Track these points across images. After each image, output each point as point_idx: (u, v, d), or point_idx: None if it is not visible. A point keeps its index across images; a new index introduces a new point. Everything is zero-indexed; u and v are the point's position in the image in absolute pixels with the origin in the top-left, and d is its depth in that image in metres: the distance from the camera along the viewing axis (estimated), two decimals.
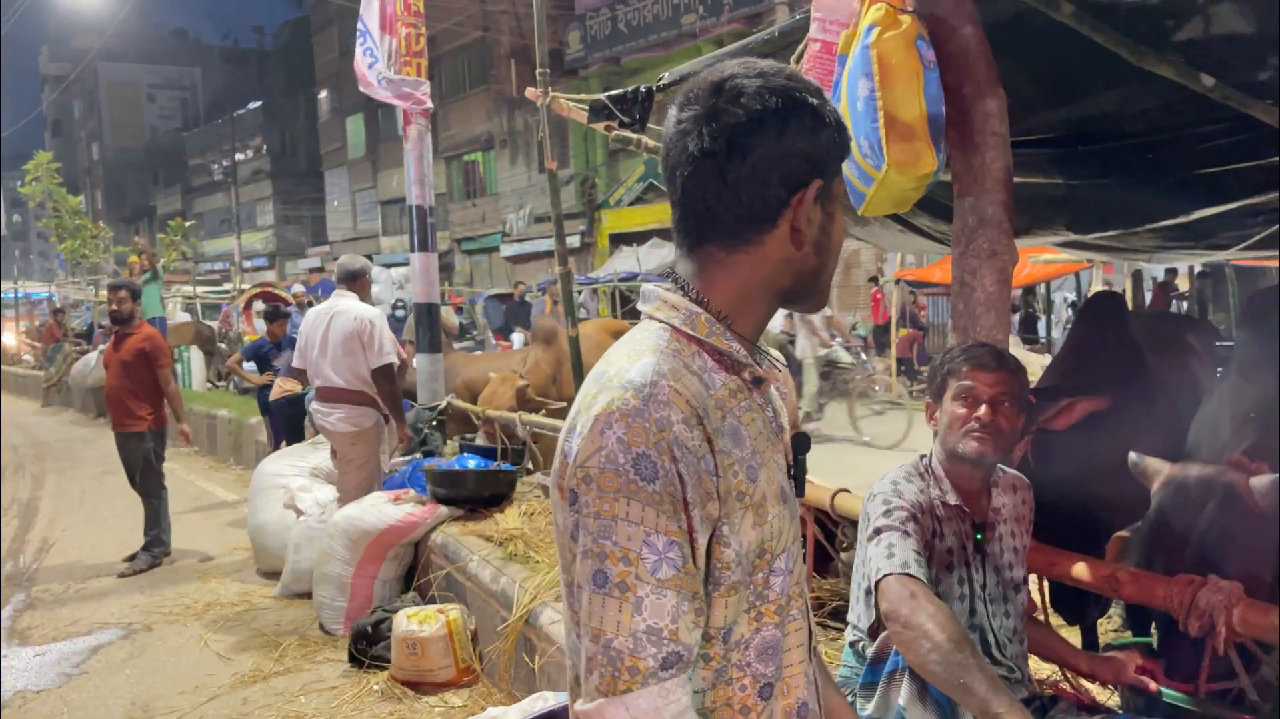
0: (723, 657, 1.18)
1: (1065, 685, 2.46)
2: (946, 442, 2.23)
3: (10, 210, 34.80)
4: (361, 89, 6.70)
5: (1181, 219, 3.61)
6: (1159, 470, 2.34)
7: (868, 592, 2.15)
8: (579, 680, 1.21)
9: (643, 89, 3.45)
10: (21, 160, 21.86)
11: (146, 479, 6.60)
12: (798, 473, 1.29)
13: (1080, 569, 2.34)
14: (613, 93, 3.60)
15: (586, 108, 4.53)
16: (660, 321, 1.21)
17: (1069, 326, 4.12)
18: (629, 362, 1.15)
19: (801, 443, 1.31)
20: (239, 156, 46.66)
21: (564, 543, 1.18)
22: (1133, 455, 2.39)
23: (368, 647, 4.52)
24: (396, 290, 19.32)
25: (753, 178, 1.15)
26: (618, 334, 6.45)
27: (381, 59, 6.48)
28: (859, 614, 2.27)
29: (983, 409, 2.17)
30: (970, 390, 2.20)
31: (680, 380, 1.13)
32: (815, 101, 1.18)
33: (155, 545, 6.53)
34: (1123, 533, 2.42)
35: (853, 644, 2.29)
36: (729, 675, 1.18)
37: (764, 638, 1.20)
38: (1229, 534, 2.15)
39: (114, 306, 6.62)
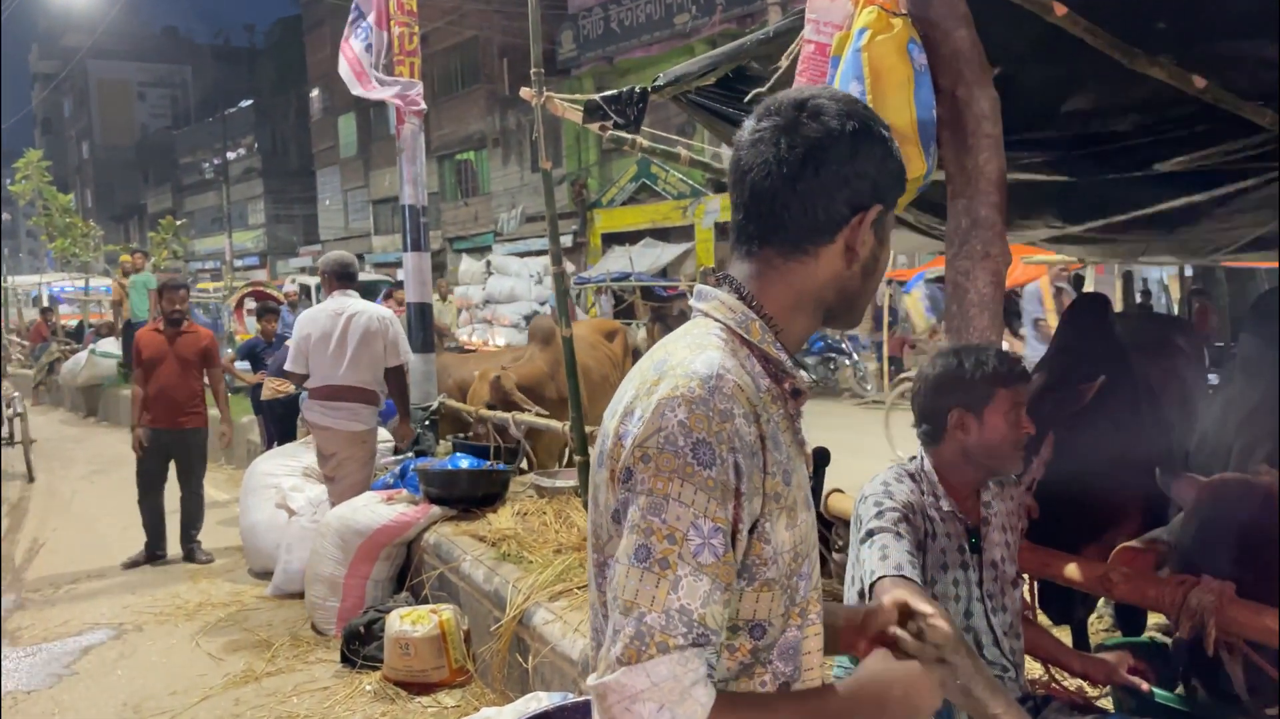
0: (749, 651, 1.21)
1: (1058, 686, 2.47)
2: (993, 457, 2.19)
3: (0, 208, 34.55)
4: (357, 92, 6.65)
5: (1169, 204, 3.57)
6: (1192, 485, 2.34)
7: (860, 594, 2.15)
8: None
9: (637, 89, 3.45)
10: (11, 158, 21.78)
11: (201, 473, 6.69)
12: (817, 484, 1.31)
13: (1073, 570, 2.35)
14: (607, 93, 3.60)
15: (581, 108, 4.53)
16: (716, 320, 1.26)
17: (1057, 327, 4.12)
18: (691, 353, 1.19)
19: (822, 457, 1.34)
20: (230, 155, 46.45)
21: (601, 523, 1.22)
22: (1160, 472, 2.39)
23: (360, 647, 4.51)
24: (535, 285, 17.95)
25: (821, 191, 1.22)
26: (610, 334, 6.42)
27: (374, 54, 6.45)
28: None
29: (1026, 425, 2.17)
30: (1018, 408, 2.17)
31: (741, 378, 1.18)
32: (886, 133, 1.26)
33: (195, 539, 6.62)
34: (1132, 543, 2.41)
35: None
36: (753, 670, 1.22)
37: (786, 638, 1.24)
38: (1270, 543, 2.15)
39: (177, 306, 6.57)
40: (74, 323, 20.21)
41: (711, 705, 1.10)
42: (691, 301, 1.32)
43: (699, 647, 1.11)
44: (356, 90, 6.63)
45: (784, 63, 2.73)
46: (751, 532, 1.18)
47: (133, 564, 6.42)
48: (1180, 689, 2.39)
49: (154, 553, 6.51)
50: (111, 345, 14.40)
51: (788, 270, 1.26)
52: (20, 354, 20.11)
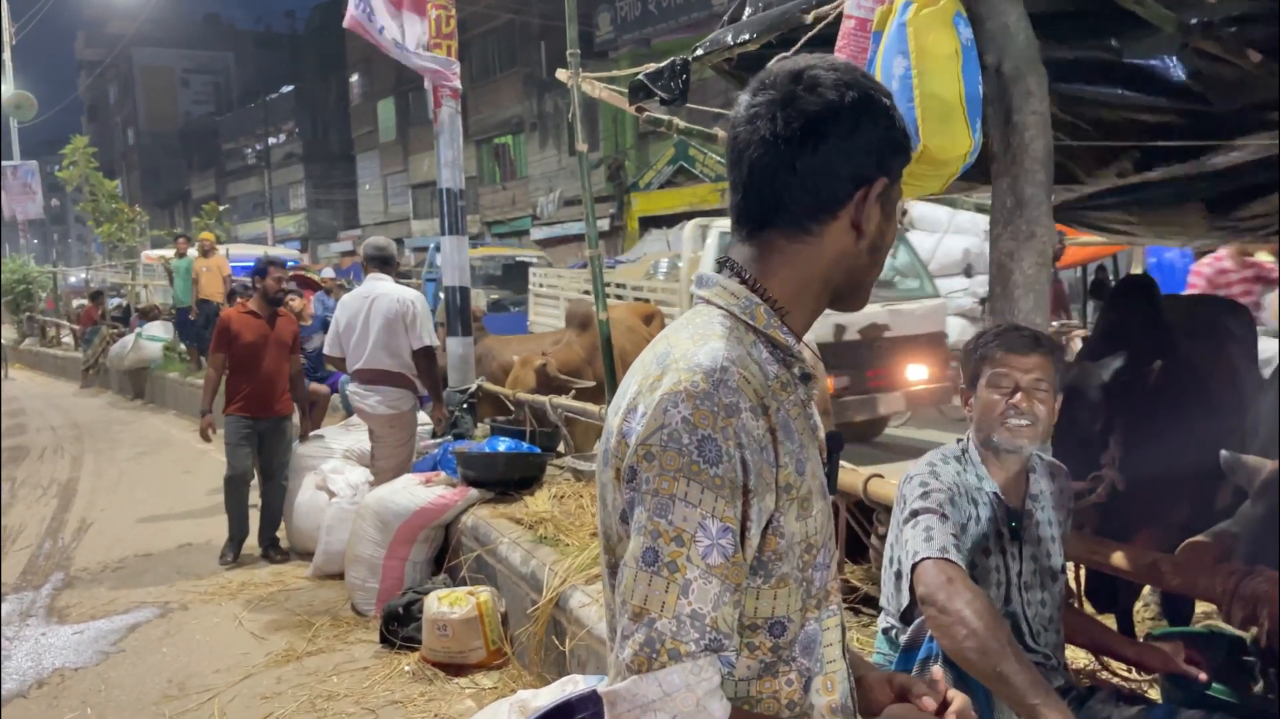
0: (770, 649, 1.18)
1: (1105, 675, 2.42)
2: (982, 431, 2.17)
3: (49, 194, 35.22)
4: (354, 31, 6.41)
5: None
6: (1259, 468, 2.26)
7: (898, 574, 2.12)
8: None
9: (678, 61, 3.38)
10: (59, 145, 22.12)
11: (287, 463, 6.34)
12: (831, 471, 1.28)
13: (1120, 558, 2.29)
14: (650, 70, 3.53)
15: (617, 89, 4.49)
16: (719, 308, 1.21)
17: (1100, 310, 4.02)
18: (694, 345, 1.15)
19: (835, 442, 1.30)
20: (272, 140, 46.99)
21: (611, 524, 1.18)
22: (1225, 454, 2.31)
23: (399, 628, 4.55)
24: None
25: (821, 167, 1.16)
26: (647, 318, 6.41)
27: (393, 23, 6.33)
28: (889, 597, 2.24)
29: (1018, 396, 2.11)
30: (1005, 377, 2.13)
31: (747, 368, 1.14)
32: (887, 102, 1.20)
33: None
34: (1200, 538, 2.34)
35: (885, 631, 2.26)
36: (777, 669, 1.18)
37: (806, 632, 1.21)
38: None
39: (282, 286, 6.24)
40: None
41: None
42: (693, 288, 1.27)
43: (712, 652, 1.07)
44: (366, 36, 6.42)
45: (810, 18, 2.66)
46: (766, 527, 1.14)
47: (231, 562, 6.04)
48: (1259, 685, 2.33)
49: (240, 548, 6.17)
50: (158, 329, 14.62)
51: (792, 252, 1.20)
52: (71, 338, 20.49)
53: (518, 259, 16.99)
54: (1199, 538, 2.32)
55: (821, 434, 1.28)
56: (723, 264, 1.24)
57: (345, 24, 6.50)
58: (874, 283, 1.27)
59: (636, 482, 1.11)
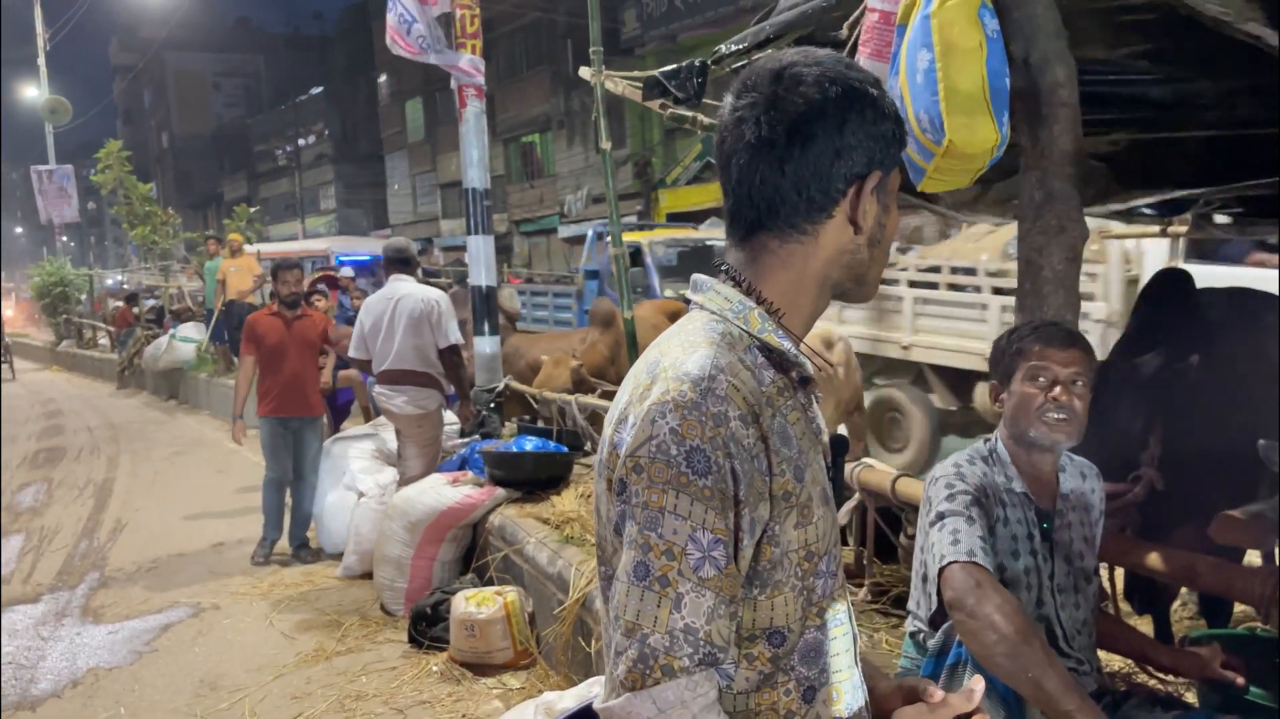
0: (769, 659, 1.15)
1: (1143, 678, 2.37)
2: (1018, 426, 2.13)
3: (84, 198, 35.75)
4: (397, 51, 6.45)
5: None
6: None
7: (925, 578, 2.09)
8: None
9: (696, 62, 3.36)
10: (94, 149, 22.43)
11: (318, 464, 6.34)
12: (836, 475, 1.24)
13: (1155, 559, 2.24)
14: (666, 69, 3.51)
15: (640, 85, 4.46)
16: (712, 313, 1.19)
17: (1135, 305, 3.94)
18: (684, 353, 1.12)
19: (840, 446, 1.27)
20: (302, 142, 47.40)
21: (606, 535, 1.17)
22: (1263, 442, 2.28)
23: (427, 628, 4.56)
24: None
25: (811, 168, 1.14)
26: (675, 316, 6.41)
27: (420, 22, 6.34)
28: (918, 601, 2.21)
29: (1058, 390, 2.07)
30: (1044, 370, 2.09)
31: (738, 375, 1.11)
32: (875, 92, 1.16)
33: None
34: (1233, 513, 2.30)
35: (913, 635, 2.22)
36: (775, 680, 1.16)
37: (807, 640, 1.18)
38: None
39: (291, 288, 6.29)
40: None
41: None
42: (688, 293, 1.25)
43: (707, 666, 1.06)
44: (397, 50, 6.45)
45: (845, 33, 2.63)
46: (761, 537, 1.11)
47: (263, 561, 6.12)
48: None
49: (272, 548, 6.25)
50: (191, 330, 14.78)
51: (786, 253, 1.18)
52: (108, 340, 20.79)
53: (706, 242, 14.12)
54: (1234, 512, 2.29)
55: (825, 438, 1.25)
56: (718, 268, 1.22)
57: (389, 44, 6.48)
58: (879, 274, 1.24)
59: (626, 494, 1.09)
